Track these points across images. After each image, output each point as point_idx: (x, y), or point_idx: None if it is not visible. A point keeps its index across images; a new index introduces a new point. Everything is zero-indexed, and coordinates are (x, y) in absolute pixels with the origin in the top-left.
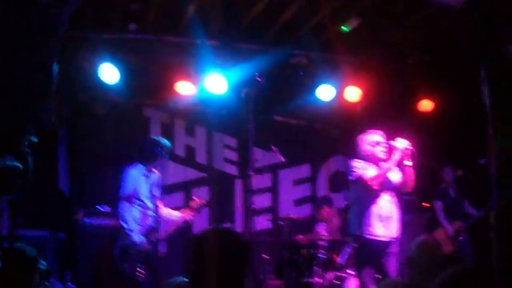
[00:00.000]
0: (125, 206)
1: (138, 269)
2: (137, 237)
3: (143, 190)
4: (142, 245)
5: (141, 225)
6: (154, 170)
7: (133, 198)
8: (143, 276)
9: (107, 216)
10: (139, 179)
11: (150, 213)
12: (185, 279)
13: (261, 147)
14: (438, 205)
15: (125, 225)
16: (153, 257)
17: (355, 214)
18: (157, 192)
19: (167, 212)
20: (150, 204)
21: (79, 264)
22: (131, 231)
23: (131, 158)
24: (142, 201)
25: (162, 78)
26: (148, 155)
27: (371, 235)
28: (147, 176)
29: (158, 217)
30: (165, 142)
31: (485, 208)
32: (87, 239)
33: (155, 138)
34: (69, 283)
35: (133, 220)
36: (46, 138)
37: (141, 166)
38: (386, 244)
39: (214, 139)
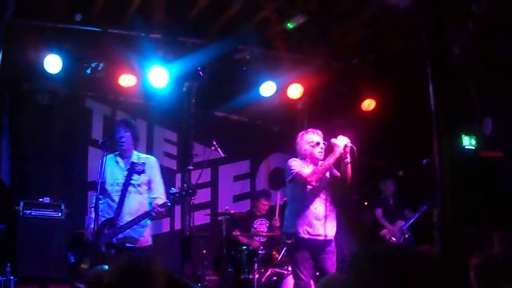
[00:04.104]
0: (97, 195)
1: (82, 261)
2: (89, 226)
3: (109, 179)
4: (87, 235)
5: (103, 215)
6: (138, 158)
7: (98, 186)
8: (86, 268)
9: (47, 208)
10: (107, 167)
11: (112, 203)
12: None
13: (201, 142)
14: (379, 211)
15: (88, 214)
16: (100, 249)
17: (291, 213)
18: (136, 181)
19: (135, 202)
20: (114, 193)
21: (19, 255)
22: (88, 219)
23: (74, 149)
24: (106, 190)
25: (105, 70)
26: (114, 140)
27: (306, 233)
28: (117, 163)
29: (119, 208)
30: (128, 123)
31: (425, 207)
32: (27, 231)
33: (120, 120)
34: (9, 275)
35: (94, 209)
36: None
37: (113, 153)
38: (321, 243)
39: (154, 132)
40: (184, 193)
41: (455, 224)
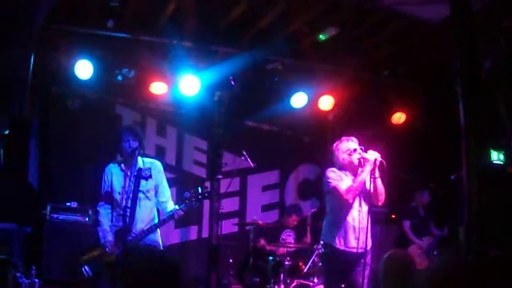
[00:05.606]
0: (100, 204)
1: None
2: (106, 238)
3: (117, 187)
4: (108, 247)
5: (114, 225)
6: (143, 163)
7: (107, 196)
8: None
9: (74, 212)
10: (114, 176)
11: (122, 211)
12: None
13: (231, 151)
14: (407, 224)
15: (98, 224)
16: (118, 261)
17: (329, 223)
18: (144, 187)
19: (146, 209)
20: (124, 202)
21: (45, 259)
22: (102, 231)
23: (102, 155)
24: (114, 198)
25: (136, 77)
26: (119, 148)
27: (342, 245)
28: (122, 171)
29: (132, 216)
30: (135, 131)
31: (448, 226)
32: (53, 234)
33: (124, 127)
34: (34, 278)
35: (107, 219)
36: (18, 131)
37: (118, 161)
38: (357, 256)
39: (184, 140)
40: (200, 196)
41: (481, 240)
